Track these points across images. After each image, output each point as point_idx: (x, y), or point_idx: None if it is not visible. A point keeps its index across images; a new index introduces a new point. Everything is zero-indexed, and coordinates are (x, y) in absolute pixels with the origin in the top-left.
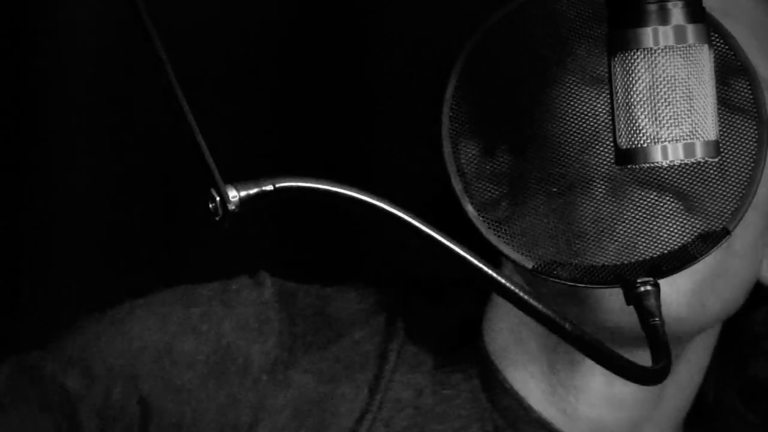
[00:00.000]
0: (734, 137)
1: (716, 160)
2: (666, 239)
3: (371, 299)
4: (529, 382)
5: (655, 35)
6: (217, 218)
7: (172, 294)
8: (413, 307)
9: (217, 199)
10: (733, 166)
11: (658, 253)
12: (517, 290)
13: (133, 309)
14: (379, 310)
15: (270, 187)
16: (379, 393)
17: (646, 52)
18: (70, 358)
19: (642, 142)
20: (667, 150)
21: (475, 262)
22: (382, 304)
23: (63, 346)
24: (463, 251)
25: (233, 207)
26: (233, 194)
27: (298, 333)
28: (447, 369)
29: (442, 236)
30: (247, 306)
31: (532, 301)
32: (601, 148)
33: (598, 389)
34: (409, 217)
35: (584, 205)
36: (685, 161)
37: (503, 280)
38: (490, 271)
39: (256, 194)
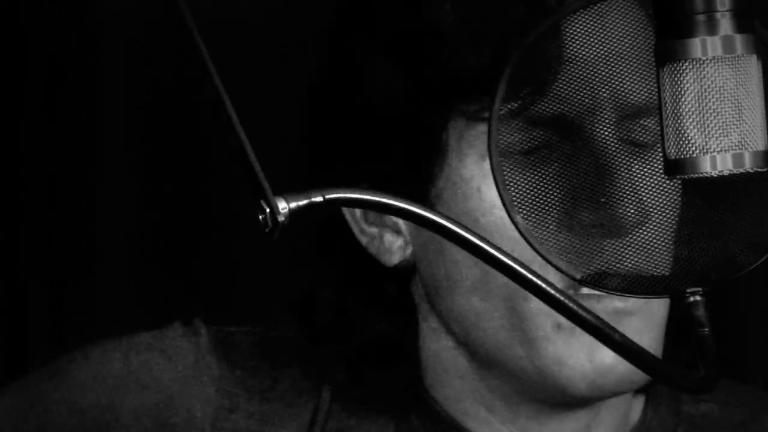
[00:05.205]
0: None
1: (765, 170)
2: (715, 250)
3: (306, 334)
4: (467, 408)
5: (704, 46)
6: (267, 230)
7: (109, 344)
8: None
9: (267, 210)
10: None
11: (707, 263)
12: (563, 298)
13: (72, 362)
14: (315, 344)
15: (320, 199)
16: (317, 426)
17: (694, 63)
18: (26, 417)
19: (691, 152)
20: (716, 160)
21: (523, 271)
22: (318, 338)
23: (10, 404)
24: (509, 259)
25: (283, 218)
26: (283, 206)
27: (239, 378)
28: (386, 398)
29: (489, 245)
30: (185, 356)
31: (580, 311)
32: (650, 159)
33: (546, 421)
34: (458, 227)
35: (633, 215)
36: (734, 171)
37: (552, 290)
38: (538, 281)
39: (306, 205)
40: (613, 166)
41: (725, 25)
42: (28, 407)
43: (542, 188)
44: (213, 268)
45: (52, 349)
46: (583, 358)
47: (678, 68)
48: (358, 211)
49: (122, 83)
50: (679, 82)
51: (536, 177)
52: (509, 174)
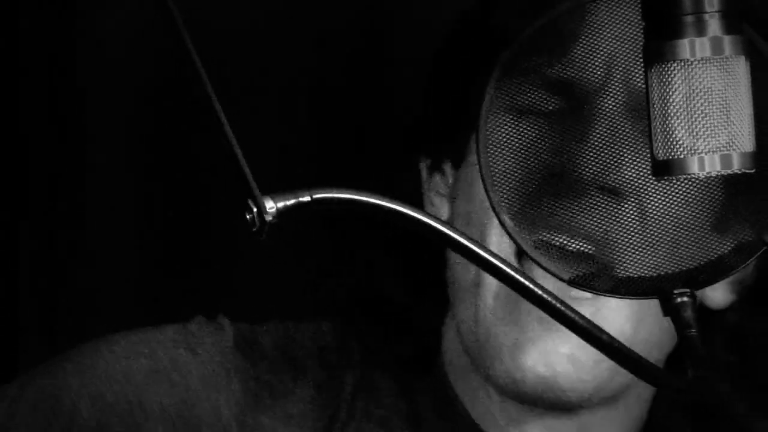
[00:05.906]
0: None
1: (753, 171)
2: (703, 250)
3: (328, 332)
4: (479, 406)
5: (692, 47)
6: (255, 229)
7: (135, 337)
8: (369, 336)
9: (255, 210)
10: None
11: (695, 264)
12: (554, 301)
13: (98, 354)
14: (336, 342)
15: (307, 198)
16: (338, 423)
17: (682, 64)
18: (54, 412)
19: (679, 153)
20: (704, 161)
21: (511, 272)
22: (339, 335)
23: (36, 395)
24: (499, 261)
25: (270, 218)
26: (270, 205)
27: (262, 377)
28: (408, 395)
29: (478, 246)
30: (211, 353)
31: (569, 312)
32: (638, 160)
33: (533, 422)
34: (447, 228)
35: (621, 217)
36: (722, 172)
37: (540, 291)
38: (525, 281)
39: (294, 205)
40: (619, 146)
41: (714, 26)
42: (55, 402)
43: (528, 157)
44: (213, 268)
45: (45, 351)
46: (506, 351)
47: (666, 69)
48: (426, 184)
49: (122, 83)
50: (667, 83)
51: (524, 141)
52: (497, 131)
